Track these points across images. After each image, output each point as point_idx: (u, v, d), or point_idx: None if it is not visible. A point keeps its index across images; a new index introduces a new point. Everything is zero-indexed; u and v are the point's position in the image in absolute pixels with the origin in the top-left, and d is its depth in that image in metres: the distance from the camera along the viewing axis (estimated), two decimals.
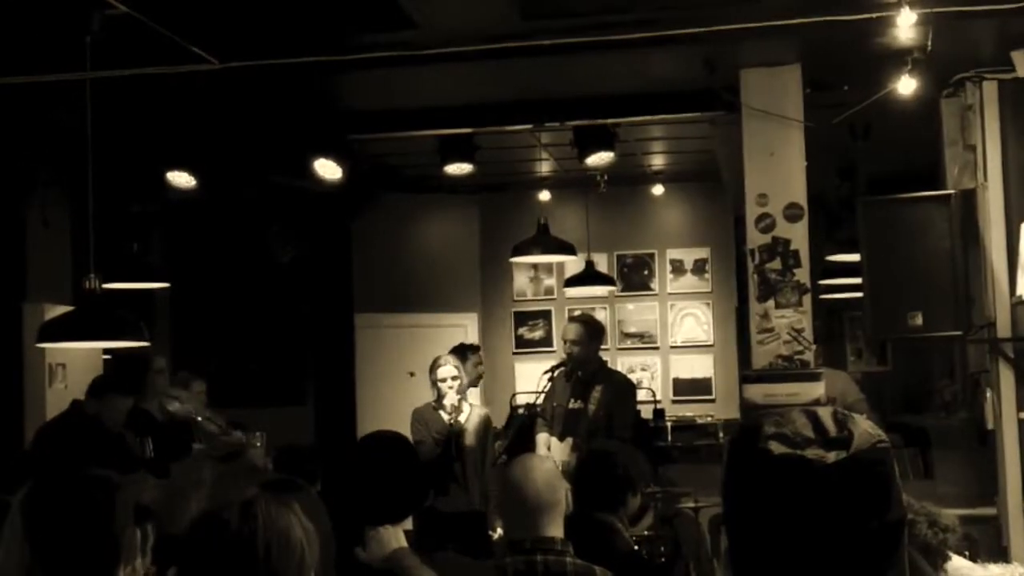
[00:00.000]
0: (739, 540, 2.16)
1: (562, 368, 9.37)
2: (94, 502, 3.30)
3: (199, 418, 8.84)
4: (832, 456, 2.04)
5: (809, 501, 2.04)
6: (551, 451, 8.94)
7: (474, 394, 10.29)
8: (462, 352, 9.88)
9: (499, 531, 8.03)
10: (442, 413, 8.84)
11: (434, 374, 8.85)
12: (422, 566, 3.64)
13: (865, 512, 2.05)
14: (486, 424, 9.12)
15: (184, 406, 8.93)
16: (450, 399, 8.80)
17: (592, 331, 9.27)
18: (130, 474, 6.24)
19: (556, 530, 4.44)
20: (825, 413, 2.11)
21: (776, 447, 2.07)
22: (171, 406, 8.92)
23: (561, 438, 9.04)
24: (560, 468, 8.44)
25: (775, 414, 2.14)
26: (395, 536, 3.74)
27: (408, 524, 3.93)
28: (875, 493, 2.06)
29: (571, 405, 9.06)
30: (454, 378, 8.84)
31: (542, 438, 9.17)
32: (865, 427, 2.10)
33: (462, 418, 8.85)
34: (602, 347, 9.65)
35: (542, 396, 9.47)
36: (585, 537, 5.29)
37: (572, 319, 10.04)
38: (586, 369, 9.14)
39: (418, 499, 4.07)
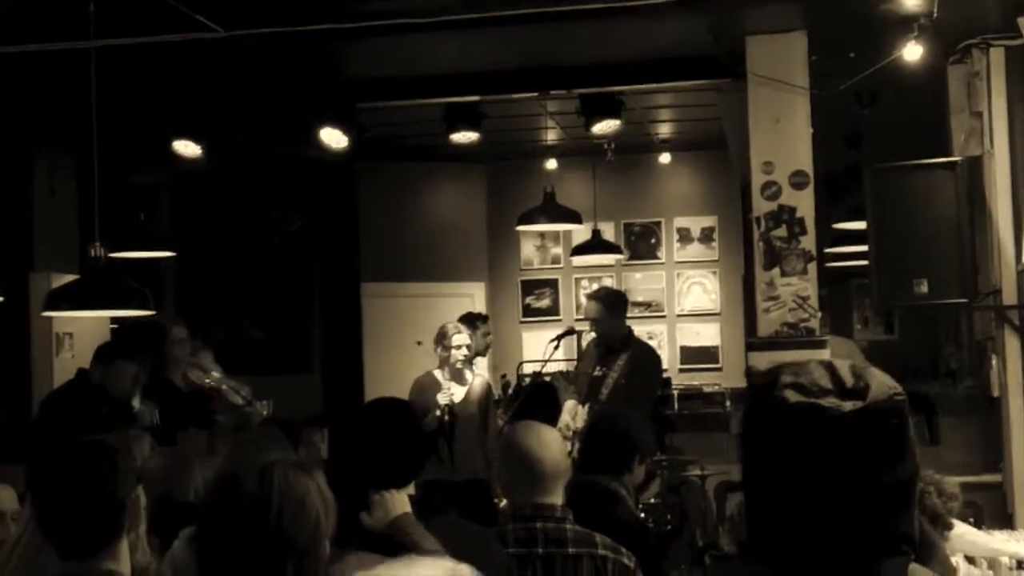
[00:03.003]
0: (752, 488, 2.16)
1: (568, 336, 9.42)
2: (97, 469, 3.32)
3: (223, 387, 8.80)
4: (848, 405, 2.05)
5: (822, 450, 2.05)
6: (576, 418, 8.97)
7: (482, 363, 10.32)
8: (471, 321, 9.90)
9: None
10: (448, 382, 8.86)
11: (448, 340, 8.85)
12: (425, 532, 3.66)
13: (878, 463, 2.05)
14: (487, 392, 9.16)
15: (208, 375, 8.90)
16: (463, 367, 8.84)
17: (610, 305, 9.24)
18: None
19: (557, 497, 4.46)
20: (843, 365, 2.12)
21: (792, 395, 2.07)
22: (194, 376, 8.90)
23: (584, 404, 9.07)
24: (579, 434, 8.54)
25: (793, 365, 2.15)
26: (399, 502, 3.75)
27: (411, 489, 3.95)
28: (889, 444, 2.06)
29: (595, 372, 9.09)
30: (468, 347, 8.89)
31: (568, 405, 9.19)
32: (882, 379, 2.10)
33: (462, 391, 8.87)
34: (627, 315, 9.63)
35: (549, 365, 9.51)
36: (590, 504, 5.31)
37: (590, 297, 9.97)
38: (613, 340, 9.16)
39: (420, 464, 4.09)
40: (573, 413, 9.04)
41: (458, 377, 8.94)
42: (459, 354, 8.85)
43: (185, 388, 8.87)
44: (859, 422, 2.04)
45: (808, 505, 2.07)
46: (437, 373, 8.96)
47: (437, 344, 8.98)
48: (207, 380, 8.89)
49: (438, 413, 8.74)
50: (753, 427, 2.16)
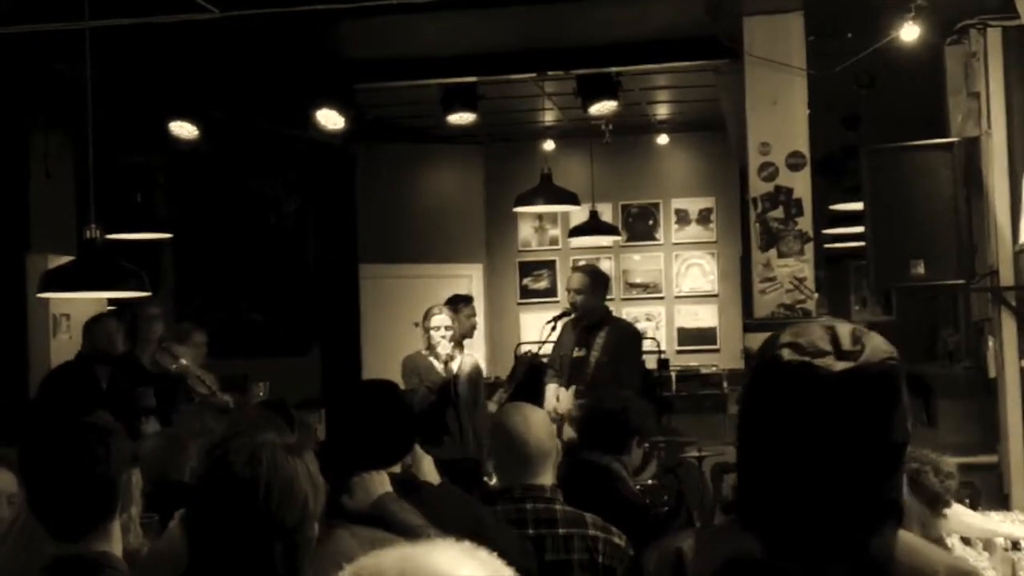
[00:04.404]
0: (745, 448, 2.18)
1: (565, 317, 9.38)
2: (90, 450, 3.32)
3: (190, 374, 8.83)
4: (839, 366, 2.07)
5: (812, 408, 2.07)
6: (560, 400, 8.96)
7: (470, 345, 10.37)
8: (454, 304, 9.95)
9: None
10: (434, 361, 8.97)
11: (428, 321, 9.06)
12: (409, 509, 3.66)
13: (867, 426, 2.07)
14: (477, 372, 9.26)
15: (178, 362, 8.92)
16: (443, 348, 8.96)
17: (596, 280, 9.25)
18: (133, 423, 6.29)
19: (547, 478, 4.46)
20: (844, 328, 2.14)
21: (787, 354, 2.10)
22: (162, 359, 8.92)
23: (568, 387, 9.05)
24: (566, 417, 8.54)
25: (796, 326, 2.16)
26: (379, 481, 3.75)
27: (396, 468, 3.95)
28: (879, 408, 2.08)
29: (575, 354, 9.07)
30: (447, 328, 9.01)
31: (551, 388, 9.18)
32: (879, 343, 2.13)
33: (454, 366, 8.98)
34: (607, 297, 9.66)
35: (545, 346, 9.49)
36: (589, 482, 5.31)
37: (576, 269, 10.06)
38: (591, 318, 9.14)
39: (406, 445, 4.08)
40: (556, 396, 9.04)
41: (443, 358, 9.04)
42: (437, 335, 9.00)
43: (152, 370, 8.89)
44: (850, 383, 2.06)
45: (798, 465, 2.08)
46: (424, 353, 9.09)
47: (421, 324, 9.14)
48: (174, 365, 8.90)
49: (442, 371, 8.86)
50: (749, 387, 2.18)
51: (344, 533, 3.39)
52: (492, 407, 9.74)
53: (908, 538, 2.18)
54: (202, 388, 8.74)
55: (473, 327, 10.22)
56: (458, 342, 9.46)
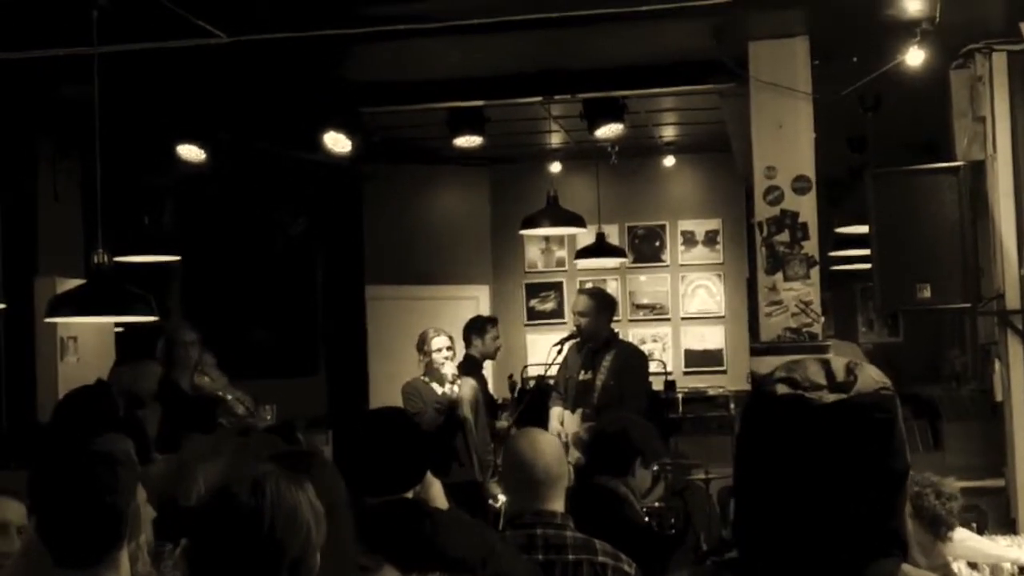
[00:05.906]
0: (742, 485, 2.18)
1: (572, 340, 9.38)
2: (98, 479, 3.33)
3: (228, 397, 8.82)
4: (831, 397, 2.06)
5: (806, 441, 2.06)
6: (564, 424, 8.95)
7: (490, 366, 10.35)
8: (480, 325, 9.92)
9: (501, 499, 8.07)
10: (435, 385, 8.93)
11: (428, 345, 8.97)
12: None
13: (864, 457, 2.05)
14: (476, 395, 9.21)
15: (214, 383, 8.92)
16: (448, 368, 8.91)
17: (601, 303, 9.26)
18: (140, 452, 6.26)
19: (557, 504, 4.47)
20: (839, 362, 2.13)
21: (781, 389, 2.09)
22: (200, 380, 8.92)
23: (573, 410, 9.06)
24: (572, 440, 8.54)
25: (792, 362, 2.16)
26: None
27: (408, 494, 3.97)
28: (874, 437, 2.06)
29: (582, 377, 9.08)
30: (449, 348, 8.95)
31: (555, 412, 9.19)
32: (871, 373, 2.11)
33: (455, 388, 8.95)
34: (614, 319, 9.66)
35: (552, 368, 9.49)
36: (596, 506, 5.32)
37: (581, 291, 10.05)
38: (596, 341, 9.15)
39: (418, 473, 4.10)
40: (560, 420, 9.04)
41: (444, 381, 8.99)
42: (440, 356, 8.93)
43: (191, 393, 8.88)
44: (842, 413, 2.05)
45: (794, 500, 2.07)
46: (424, 379, 9.02)
47: (418, 350, 9.05)
48: (214, 387, 8.91)
49: (449, 392, 8.84)
50: (744, 423, 2.18)
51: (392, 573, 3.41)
52: (503, 424, 9.74)
53: (913, 572, 2.18)
54: (240, 409, 8.74)
55: (498, 349, 10.20)
56: (478, 363, 9.49)
